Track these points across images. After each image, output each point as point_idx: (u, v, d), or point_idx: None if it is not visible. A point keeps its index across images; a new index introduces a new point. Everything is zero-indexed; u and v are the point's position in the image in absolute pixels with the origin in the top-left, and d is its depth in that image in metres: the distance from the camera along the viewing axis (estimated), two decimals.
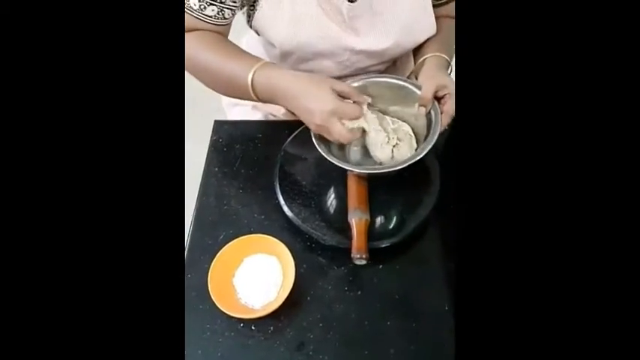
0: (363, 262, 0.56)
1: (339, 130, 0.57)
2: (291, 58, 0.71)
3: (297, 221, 0.62)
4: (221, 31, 0.67)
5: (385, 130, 0.62)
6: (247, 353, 0.54)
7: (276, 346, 0.54)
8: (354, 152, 0.68)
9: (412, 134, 0.65)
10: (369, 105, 0.63)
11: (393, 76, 0.67)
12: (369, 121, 0.61)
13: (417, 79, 0.67)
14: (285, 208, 0.64)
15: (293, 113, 0.62)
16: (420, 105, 0.63)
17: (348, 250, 0.60)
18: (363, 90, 0.64)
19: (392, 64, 0.79)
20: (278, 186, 0.66)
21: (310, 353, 0.53)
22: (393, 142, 0.62)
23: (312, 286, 0.59)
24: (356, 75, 0.73)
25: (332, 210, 0.64)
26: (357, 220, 0.59)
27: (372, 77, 0.67)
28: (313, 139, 0.60)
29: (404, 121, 0.66)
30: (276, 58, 0.73)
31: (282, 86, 0.59)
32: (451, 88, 0.62)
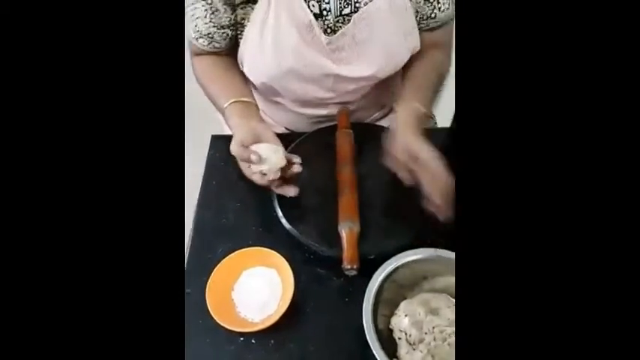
0: (354, 272, 0.56)
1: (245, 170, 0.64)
2: (275, 86, 0.72)
3: (296, 233, 0.63)
4: (222, 54, 0.72)
5: (422, 340, 0.50)
6: None
7: (277, 359, 0.54)
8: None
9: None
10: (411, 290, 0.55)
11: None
12: (409, 315, 0.52)
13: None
14: (284, 221, 0.64)
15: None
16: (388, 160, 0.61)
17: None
18: (419, 265, 0.55)
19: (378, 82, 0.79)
20: (276, 199, 0.66)
21: None
22: None
23: (312, 298, 0.58)
24: (341, 100, 0.75)
25: (330, 222, 0.64)
26: (347, 231, 0.59)
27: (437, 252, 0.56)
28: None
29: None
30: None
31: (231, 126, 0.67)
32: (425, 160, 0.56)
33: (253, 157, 0.59)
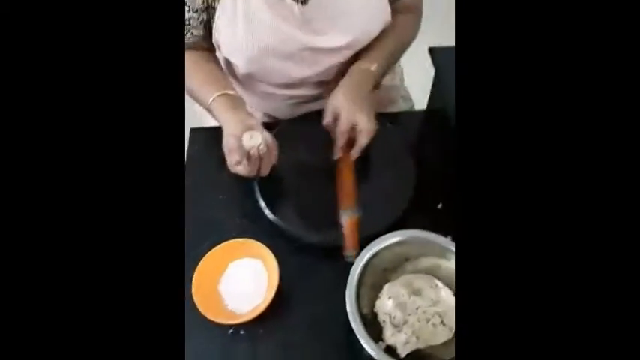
0: (353, 259, 0.57)
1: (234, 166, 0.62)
2: (254, 68, 0.71)
3: (280, 223, 0.63)
4: (199, 48, 0.71)
5: (406, 321, 0.52)
6: (238, 358, 0.54)
7: (266, 348, 0.55)
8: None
9: (442, 320, 0.52)
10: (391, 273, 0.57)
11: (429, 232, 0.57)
12: (393, 297, 0.53)
13: None
14: (267, 212, 0.64)
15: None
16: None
17: (333, 249, 0.61)
18: (401, 247, 0.57)
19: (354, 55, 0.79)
20: (258, 190, 0.66)
21: (300, 352, 0.54)
22: (412, 345, 0.51)
23: (299, 287, 0.59)
24: (320, 79, 0.74)
25: (314, 210, 0.65)
26: (348, 220, 0.60)
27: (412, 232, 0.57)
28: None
29: (443, 284, 0.55)
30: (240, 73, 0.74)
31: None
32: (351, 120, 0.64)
33: (241, 159, 0.60)
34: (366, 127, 0.65)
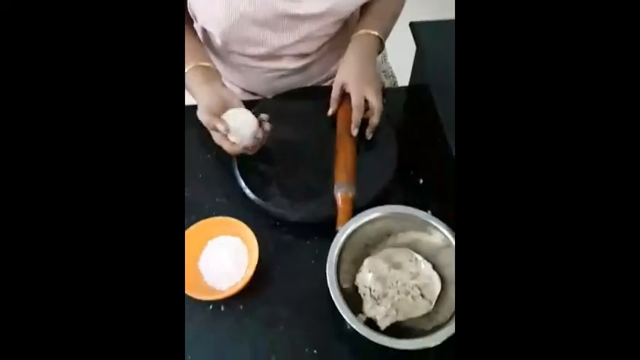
0: None
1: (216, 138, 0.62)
2: (232, 38, 0.70)
3: (259, 201, 0.62)
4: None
5: (386, 294, 0.52)
6: (219, 333, 0.54)
7: (247, 323, 0.55)
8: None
9: (421, 293, 0.53)
10: (371, 248, 0.57)
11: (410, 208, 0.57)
12: (373, 270, 0.53)
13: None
14: (247, 190, 0.63)
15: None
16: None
17: (313, 226, 0.61)
18: (382, 222, 0.57)
19: (343, 26, 0.77)
20: (237, 168, 0.65)
21: (282, 327, 0.54)
22: (391, 318, 0.51)
23: (278, 263, 0.59)
24: (298, 51, 0.73)
25: (293, 187, 0.64)
26: (342, 195, 0.60)
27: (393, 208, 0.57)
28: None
29: (423, 258, 0.55)
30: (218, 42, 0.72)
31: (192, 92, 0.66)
32: (359, 90, 0.64)
33: (221, 128, 0.58)
34: (377, 106, 0.65)
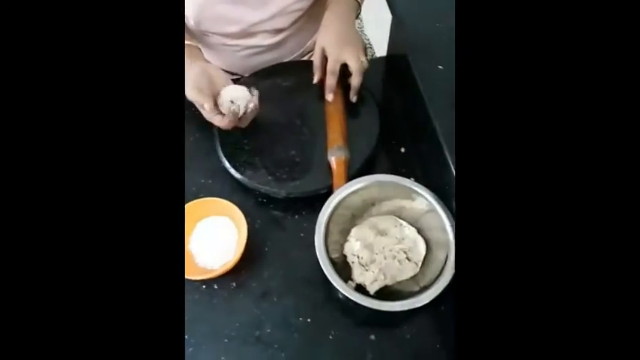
0: None
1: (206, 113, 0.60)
2: (205, 18, 0.69)
3: (245, 180, 0.63)
4: None
5: (373, 260, 0.53)
6: (214, 311, 0.55)
7: (240, 298, 0.56)
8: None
9: (407, 257, 0.54)
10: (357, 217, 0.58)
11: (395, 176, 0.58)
12: (360, 239, 0.54)
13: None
14: (232, 170, 0.64)
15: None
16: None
17: (300, 200, 0.62)
18: (367, 192, 0.57)
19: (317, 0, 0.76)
20: (220, 148, 0.65)
21: (275, 299, 0.56)
22: (380, 282, 0.52)
23: (268, 239, 0.60)
24: (272, 27, 0.72)
25: (277, 164, 0.65)
26: (336, 159, 0.61)
27: (377, 177, 0.58)
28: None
29: (407, 223, 0.56)
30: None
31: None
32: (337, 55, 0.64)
33: (207, 106, 0.58)
34: (355, 66, 0.64)
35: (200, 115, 0.71)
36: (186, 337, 0.54)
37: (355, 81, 0.66)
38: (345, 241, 0.57)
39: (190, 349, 0.53)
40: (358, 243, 0.54)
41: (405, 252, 0.54)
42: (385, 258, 0.53)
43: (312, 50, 0.83)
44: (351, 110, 0.69)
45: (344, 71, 0.67)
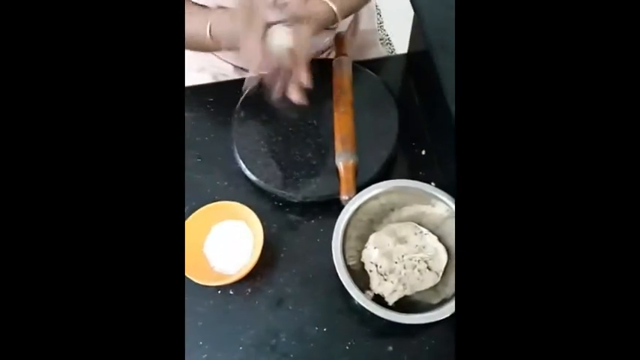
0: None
1: (252, 45, 0.53)
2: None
3: (261, 183, 0.62)
4: None
5: (392, 270, 0.52)
6: (229, 318, 0.55)
7: (256, 305, 0.55)
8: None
9: (428, 266, 0.52)
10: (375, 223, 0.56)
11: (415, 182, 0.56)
12: (378, 246, 0.52)
13: None
14: (247, 172, 0.63)
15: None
16: None
17: (316, 204, 0.60)
18: (386, 197, 0.56)
19: None
20: (236, 150, 0.64)
21: (290, 307, 0.55)
22: (399, 293, 0.51)
23: (284, 244, 0.59)
24: None
25: (294, 167, 0.63)
26: (343, 164, 0.59)
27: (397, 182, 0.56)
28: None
29: (428, 230, 0.55)
30: None
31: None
32: None
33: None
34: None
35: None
36: (200, 343, 0.53)
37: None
38: (363, 247, 0.55)
39: (205, 356, 0.52)
40: (377, 251, 0.53)
41: (425, 261, 0.52)
42: (405, 267, 0.52)
43: (327, 49, 0.80)
44: (368, 110, 0.67)
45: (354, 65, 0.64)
